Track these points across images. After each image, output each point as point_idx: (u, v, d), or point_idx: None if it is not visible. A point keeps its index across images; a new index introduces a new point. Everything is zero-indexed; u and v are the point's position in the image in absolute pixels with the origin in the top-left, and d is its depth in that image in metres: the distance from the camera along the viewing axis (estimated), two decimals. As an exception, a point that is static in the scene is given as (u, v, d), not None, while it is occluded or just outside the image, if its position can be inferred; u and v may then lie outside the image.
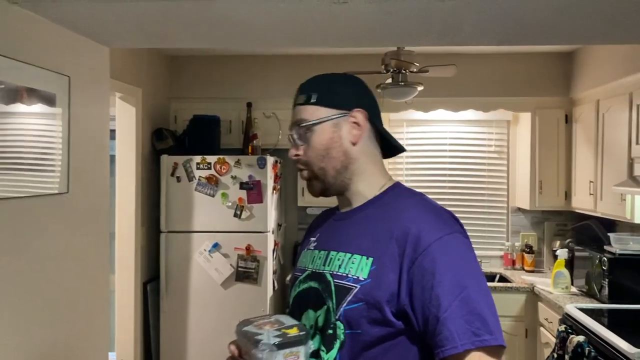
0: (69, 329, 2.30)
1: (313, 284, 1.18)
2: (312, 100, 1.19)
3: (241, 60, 4.03)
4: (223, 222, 3.49)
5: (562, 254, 3.52)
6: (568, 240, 3.75)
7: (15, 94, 1.93)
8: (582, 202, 3.61)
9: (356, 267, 1.11)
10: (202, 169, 3.50)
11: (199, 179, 3.50)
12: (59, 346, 2.22)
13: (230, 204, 3.49)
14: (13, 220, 1.94)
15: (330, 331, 1.10)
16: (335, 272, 1.14)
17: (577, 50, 3.76)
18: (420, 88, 3.20)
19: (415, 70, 3.17)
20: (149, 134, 3.67)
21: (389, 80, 3.24)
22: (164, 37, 2.37)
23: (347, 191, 1.23)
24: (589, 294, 3.28)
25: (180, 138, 3.74)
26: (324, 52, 3.92)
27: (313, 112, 1.19)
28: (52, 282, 2.18)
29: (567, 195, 3.82)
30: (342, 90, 1.22)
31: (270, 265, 3.53)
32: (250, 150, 3.73)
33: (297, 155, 1.22)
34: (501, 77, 3.91)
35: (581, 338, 2.63)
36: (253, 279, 3.49)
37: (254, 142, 3.76)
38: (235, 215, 3.49)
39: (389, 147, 1.27)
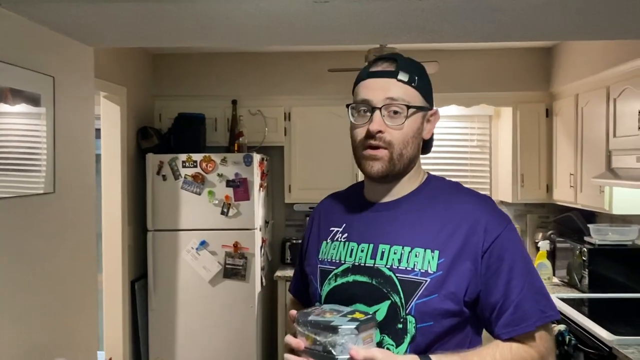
0: (57, 329, 2.31)
1: (359, 277, 1.16)
2: (414, 84, 1.16)
3: (226, 57, 4.05)
4: (210, 220, 3.51)
5: (544, 245, 3.59)
6: (550, 232, 3.83)
7: (-1, 95, 1.93)
8: (563, 195, 3.68)
9: (421, 260, 1.12)
10: (188, 167, 3.51)
11: (185, 177, 3.51)
12: (46, 346, 2.23)
13: (217, 201, 3.50)
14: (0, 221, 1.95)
15: (400, 326, 1.10)
16: (396, 267, 1.13)
17: (557, 46, 3.83)
18: (403, 84, 3.24)
19: (398, 66, 3.21)
20: (134, 133, 3.67)
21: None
22: (148, 37, 2.38)
23: (398, 182, 1.21)
24: (570, 284, 3.36)
25: (165, 136, 3.75)
26: (309, 49, 3.95)
27: (414, 96, 1.17)
28: (39, 283, 2.19)
29: (549, 188, 3.90)
30: (430, 85, 1.23)
31: (258, 262, 3.56)
32: (236, 148, 3.75)
33: (380, 132, 1.14)
34: (483, 73, 3.97)
35: (562, 327, 2.70)
36: (241, 276, 3.52)
37: (240, 139, 3.78)
38: (222, 213, 3.51)
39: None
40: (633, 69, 2.76)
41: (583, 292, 3.17)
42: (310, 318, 1.04)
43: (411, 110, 1.15)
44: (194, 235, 3.52)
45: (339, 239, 1.22)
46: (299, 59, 4.02)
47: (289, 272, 3.84)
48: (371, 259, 1.16)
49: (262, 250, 3.70)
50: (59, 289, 2.32)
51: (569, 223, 3.73)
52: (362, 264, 1.16)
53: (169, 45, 3.15)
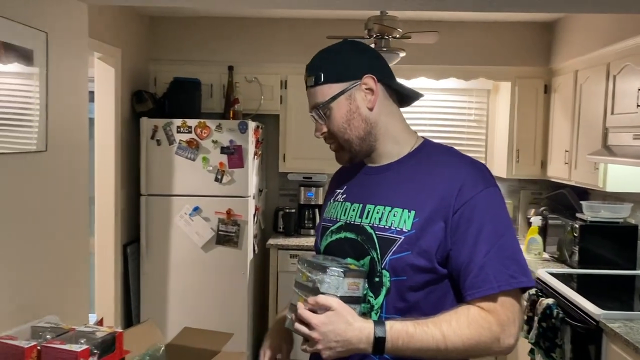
0: (48, 288, 2.31)
1: (349, 234, 1.27)
2: (321, 81, 1.24)
3: (223, 22, 3.98)
4: (204, 186, 3.50)
5: (536, 221, 3.61)
6: (542, 208, 3.84)
7: (-9, 49, 1.89)
8: (557, 171, 3.68)
9: (398, 219, 1.20)
10: (182, 132, 3.48)
11: (179, 143, 3.48)
12: (37, 305, 2.24)
13: (211, 168, 3.49)
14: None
15: (377, 279, 1.19)
16: (376, 225, 1.22)
17: (558, 21, 3.78)
18: (402, 54, 3.21)
19: (397, 36, 3.17)
20: (128, 96, 3.62)
21: (372, 46, 3.23)
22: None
23: (375, 152, 1.29)
24: (560, 259, 3.39)
25: (160, 101, 3.71)
26: (308, 15, 3.89)
27: (325, 92, 1.24)
28: (30, 242, 2.18)
29: (543, 164, 3.90)
30: (347, 60, 1.25)
31: (251, 230, 3.56)
32: (231, 115, 3.72)
33: (322, 133, 1.29)
34: (482, 46, 3.92)
35: (550, 300, 2.73)
36: (234, 243, 3.52)
37: (236, 106, 3.74)
38: (216, 179, 3.49)
39: (405, 98, 1.32)
40: (634, 45, 2.74)
41: (572, 267, 3.20)
42: (308, 258, 1.19)
43: (321, 109, 1.24)
44: (187, 201, 3.51)
45: (339, 200, 1.35)
46: (297, 25, 3.95)
47: (282, 241, 3.85)
48: (359, 217, 1.26)
49: (255, 218, 3.70)
50: (50, 249, 2.31)
51: (562, 200, 3.75)
52: (352, 222, 1.27)
53: (163, 4, 3.06)
